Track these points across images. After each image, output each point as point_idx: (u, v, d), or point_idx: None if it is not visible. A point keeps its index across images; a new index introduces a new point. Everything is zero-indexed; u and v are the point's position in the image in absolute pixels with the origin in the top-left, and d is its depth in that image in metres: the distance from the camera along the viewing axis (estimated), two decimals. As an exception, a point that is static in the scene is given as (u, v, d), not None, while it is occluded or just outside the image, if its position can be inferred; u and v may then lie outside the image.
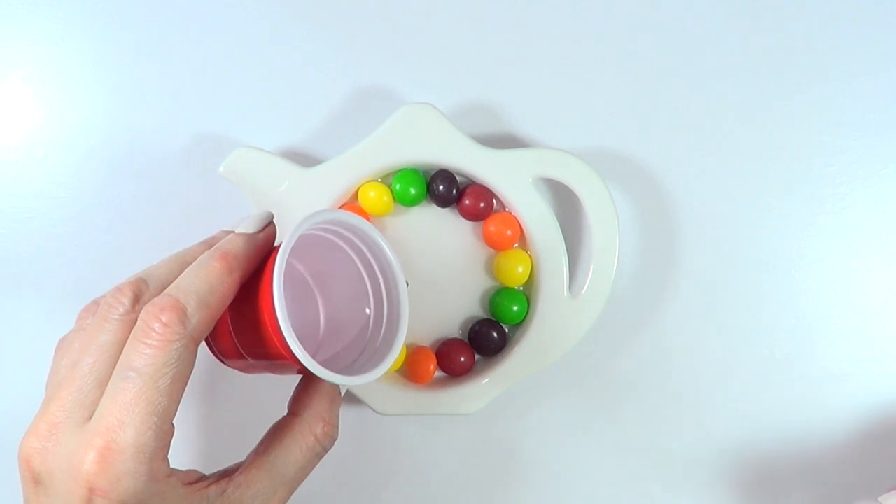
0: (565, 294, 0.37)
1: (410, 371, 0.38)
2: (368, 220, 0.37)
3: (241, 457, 0.31)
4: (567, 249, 0.37)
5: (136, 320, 0.28)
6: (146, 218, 0.39)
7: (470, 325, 0.38)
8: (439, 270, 0.38)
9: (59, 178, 0.39)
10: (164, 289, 0.28)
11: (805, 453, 0.40)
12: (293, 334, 0.28)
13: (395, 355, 0.31)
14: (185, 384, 0.27)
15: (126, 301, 0.28)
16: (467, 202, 0.37)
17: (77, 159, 0.39)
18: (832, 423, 0.40)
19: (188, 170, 0.39)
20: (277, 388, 0.34)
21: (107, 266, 0.39)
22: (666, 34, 0.39)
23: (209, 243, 0.31)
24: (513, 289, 0.38)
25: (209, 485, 0.28)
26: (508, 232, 0.37)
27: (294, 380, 0.32)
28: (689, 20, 0.39)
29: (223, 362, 0.32)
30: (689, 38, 0.39)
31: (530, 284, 0.38)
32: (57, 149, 0.39)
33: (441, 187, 0.37)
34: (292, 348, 0.28)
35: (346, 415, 0.39)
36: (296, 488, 0.30)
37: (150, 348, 0.26)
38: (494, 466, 0.40)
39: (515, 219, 0.37)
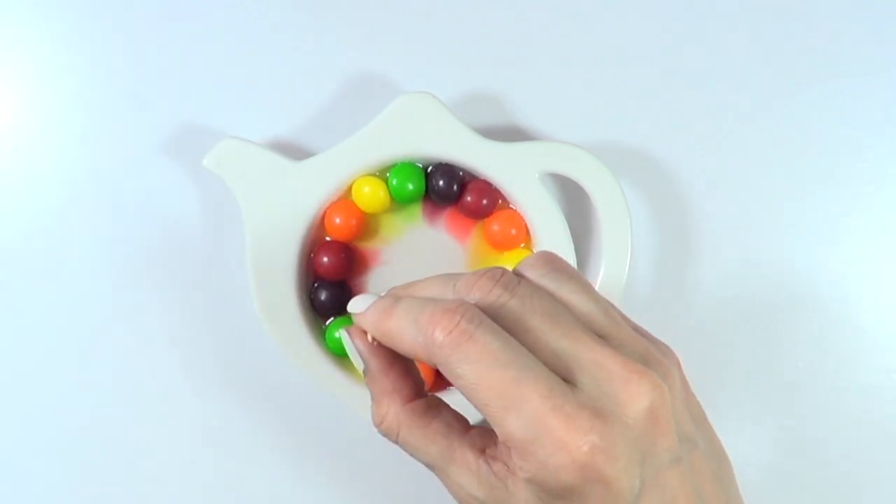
0: (574, 298, 0.36)
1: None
2: (363, 216, 0.37)
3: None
4: (576, 249, 0.37)
5: None
6: (126, 212, 0.39)
7: (471, 331, 0.37)
8: (439, 272, 0.37)
9: (31, 172, 0.39)
10: None
11: (830, 469, 0.40)
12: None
13: None
14: None
15: None
16: (469, 199, 0.37)
17: (52, 151, 0.39)
18: (860, 437, 0.40)
19: (171, 161, 0.39)
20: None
21: (84, 263, 0.39)
22: (683, 20, 0.39)
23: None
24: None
25: None
26: (513, 231, 0.37)
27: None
28: (707, 5, 0.39)
29: None
30: (707, 24, 0.39)
31: (536, 287, 0.37)
32: (30, 140, 0.39)
33: (441, 182, 0.37)
34: None
35: (338, 424, 0.39)
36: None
37: None
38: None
39: (521, 217, 0.37)
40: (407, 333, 0.27)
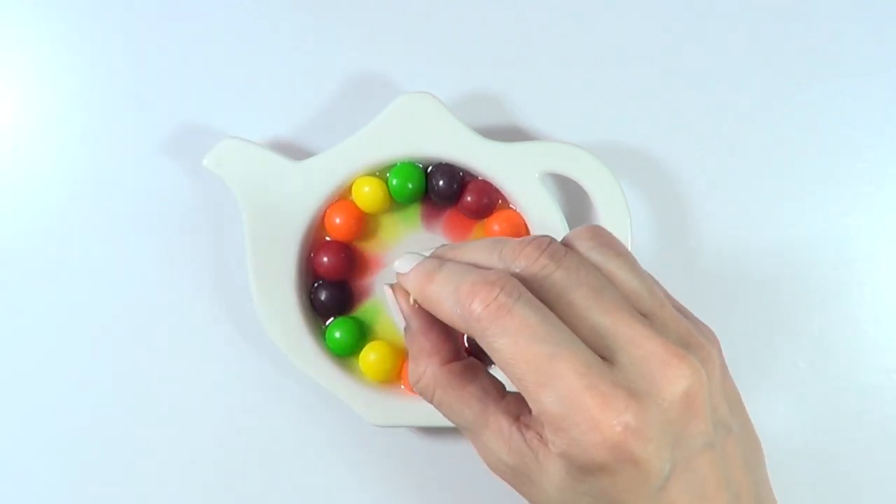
0: (574, 298, 0.36)
1: (406, 380, 0.37)
2: (363, 216, 0.37)
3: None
4: None
5: None
6: (126, 212, 0.39)
7: (471, 331, 0.37)
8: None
9: (31, 171, 0.39)
10: None
11: (830, 469, 0.40)
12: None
13: None
14: None
15: None
16: (469, 199, 0.37)
17: (51, 151, 0.39)
18: (860, 437, 0.39)
19: (171, 161, 0.39)
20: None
21: (84, 263, 0.39)
22: (683, 20, 0.39)
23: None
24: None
25: None
26: (513, 231, 0.37)
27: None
28: (707, 5, 0.39)
29: None
30: (707, 24, 0.39)
31: (536, 287, 0.37)
32: (30, 140, 0.39)
33: (441, 182, 0.36)
34: None
35: (338, 424, 0.39)
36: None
37: None
38: (493, 482, 0.39)
39: (521, 217, 0.37)
40: (446, 302, 0.26)
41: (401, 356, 0.37)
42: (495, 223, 0.37)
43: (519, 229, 0.37)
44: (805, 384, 0.39)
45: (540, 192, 0.36)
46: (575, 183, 0.37)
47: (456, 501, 0.39)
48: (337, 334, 0.36)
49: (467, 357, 0.29)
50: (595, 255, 0.27)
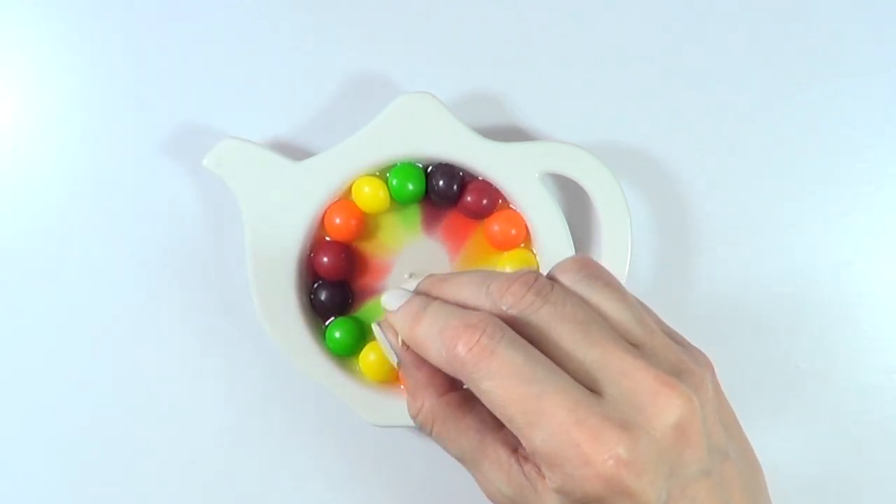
0: (574, 298, 0.36)
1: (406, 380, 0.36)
2: (363, 217, 0.37)
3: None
4: (576, 249, 0.37)
5: None
6: (126, 212, 0.39)
7: (471, 331, 0.37)
8: (438, 272, 0.37)
9: (31, 171, 0.39)
10: None
11: (830, 469, 0.39)
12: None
13: None
14: None
15: None
16: (469, 199, 0.37)
17: (51, 151, 0.39)
18: (860, 437, 0.39)
19: (171, 161, 0.39)
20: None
21: (84, 263, 0.39)
22: (683, 20, 0.39)
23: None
24: (517, 292, 0.37)
25: None
26: (513, 231, 0.37)
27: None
28: (707, 5, 0.39)
29: None
30: (707, 24, 0.39)
31: (536, 287, 0.37)
32: (30, 140, 0.39)
33: (441, 183, 0.36)
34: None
35: (338, 424, 0.39)
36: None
37: None
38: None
39: (521, 217, 0.37)
40: (433, 345, 0.27)
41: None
42: (495, 223, 0.37)
43: (519, 229, 0.37)
44: (805, 384, 0.39)
45: (540, 192, 0.36)
46: (575, 183, 0.36)
47: (455, 501, 0.39)
48: (337, 334, 0.36)
49: (463, 388, 0.29)
50: (581, 288, 0.27)
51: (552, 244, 0.36)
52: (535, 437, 0.25)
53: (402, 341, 0.29)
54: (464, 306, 0.27)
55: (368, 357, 0.36)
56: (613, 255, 0.36)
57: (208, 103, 0.38)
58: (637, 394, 0.25)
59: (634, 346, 0.26)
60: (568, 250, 0.36)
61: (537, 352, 0.25)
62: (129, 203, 0.39)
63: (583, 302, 0.27)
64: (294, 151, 0.38)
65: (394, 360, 0.30)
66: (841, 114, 0.39)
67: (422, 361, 0.29)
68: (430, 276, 0.30)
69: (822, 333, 0.39)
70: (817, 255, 0.39)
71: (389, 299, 0.29)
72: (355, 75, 0.39)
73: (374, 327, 0.30)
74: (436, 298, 0.28)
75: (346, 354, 0.37)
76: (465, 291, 0.28)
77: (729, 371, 0.38)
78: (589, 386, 0.25)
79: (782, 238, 0.39)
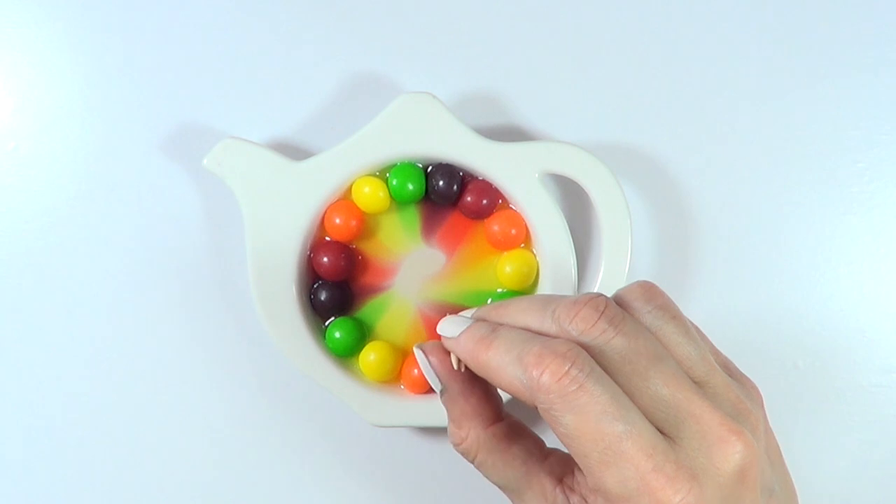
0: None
1: (407, 379, 0.37)
2: (363, 217, 0.37)
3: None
4: (576, 250, 0.37)
5: None
6: (126, 212, 0.39)
7: (471, 331, 0.37)
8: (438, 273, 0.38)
9: (31, 171, 0.39)
10: None
11: (830, 469, 0.39)
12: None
13: None
14: None
15: None
16: (469, 199, 0.37)
17: (51, 151, 0.39)
18: (860, 437, 0.39)
19: (171, 161, 0.39)
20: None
21: (84, 263, 0.39)
22: (683, 20, 0.39)
23: None
24: (518, 291, 0.37)
25: None
26: (513, 231, 0.37)
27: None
28: (707, 5, 0.39)
29: None
30: (707, 24, 0.39)
31: (536, 287, 0.37)
32: (29, 140, 0.39)
33: (441, 183, 0.36)
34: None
35: (338, 424, 0.39)
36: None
37: None
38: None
39: (521, 217, 0.37)
40: (508, 370, 0.26)
41: (400, 356, 0.37)
42: (495, 223, 0.37)
43: (519, 229, 0.37)
44: (805, 384, 0.39)
45: (540, 192, 0.36)
46: (575, 183, 0.36)
47: (455, 501, 0.39)
48: (337, 334, 0.36)
49: (509, 416, 0.29)
50: (651, 319, 0.27)
51: (552, 244, 0.36)
52: (608, 477, 0.25)
53: (451, 366, 0.29)
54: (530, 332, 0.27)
55: (368, 357, 0.36)
56: (613, 255, 0.36)
57: (208, 103, 0.38)
58: (706, 439, 0.25)
59: (697, 383, 0.26)
60: (568, 250, 0.36)
61: (620, 390, 0.25)
62: (129, 203, 0.39)
63: (653, 336, 0.27)
64: (294, 151, 0.38)
65: (437, 387, 0.29)
66: (841, 114, 0.39)
67: (471, 391, 0.28)
68: (484, 306, 0.29)
69: (822, 333, 0.39)
70: (817, 254, 0.39)
71: (448, 326, 0.29)
72: (355, 75, 0.39)
73: (416, 351, 0.29)
74: (500, 325, 0.28)
75: (346, 354, 0.37)
76: (529, 318, 0.27)
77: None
78: (658, 424, 0.25)
79: (782, 237, 0.39)
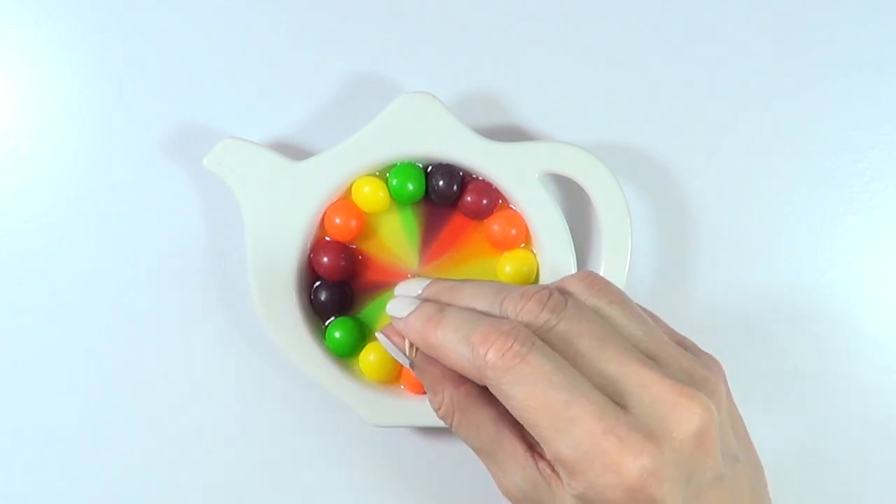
0: (574, 298, 0.36)
1: (407, 379, 0.37)
2: (363, 217, 0.37)
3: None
4: (576, 250, 0.37)
5: None
6: (126, 212, 0.39)
7: (471, 331, 0.37)
8: (438, 272, 0.37)
9: (31, 171, 0.39)
10: None
11: (830, 469, 0.39)
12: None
13: None
14: None
15: None
16: (469, 199, 0.37)
17: (51, 151, 0.39)
18: (860, 437, 0.39)
19: (171, 162, 0.39)
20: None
21: (84, 263, 0.39)
22: (683, 20, 0.39)
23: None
24: (517, 292, 0.37)
25: None
26: (513, 231, 0.37)
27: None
28: (708, 5, 0.39)
29: None
30: (707, 24, 0.39)
31: (536, 287, 0.37)
32: (29, 140, 0.39)
33: (441, 183, 0.36)
34: None
35: (338, 424, 0.39)
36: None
37: None
38: (492, 482, 0.39)
39: (521, 217, 0.37)
40: (455, 349, 0.27)
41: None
42: (495, 223, 0.37)
43: (519, 229, 0.37)
44: (805, 384, 0.39)
45: (540, 192, 0.36)
46: (575, 183, 0.36)
47: (455, 501, 0.39)
48: (337, 334, 0.36)
49: None
50: (593, 303, 0.28)
51: (552, 244, 0.36)
52: (561, 444, 0.25)
53: (408, 351, 0.29)
54: None
55: (368, 357, 0.36)
56: (613, 255, 0.36)
57: (208, 103, 0.38)
58: (658, 405, 0.25)
59: (649, 357, 0.27)
60: (568, 250, 0.36)
61: (565, 361, 0.26)
62: (130, 203, 0.38)
63: (597, 317, 0.27)
64: (294, 151, 0.38)
65: (405, 363, 0.30)
66: (841, 114, 0.39)
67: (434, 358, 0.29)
68: (435, 282, 0.30)
69: (822, 334, 0.39)
70: (817, 254, 0.39)
71: (396, 307, 0.29)
72: (355, 75, 0.39)
73: (378, 335, 0.30)
74: (447, 305, 0.28)
75: (346, 354, 0.37)
76: (477, 302, 0.28)
77: (729, 371, 0.39)
78: (609, 397, 0.26)
79: (782, 237, 0.39)
